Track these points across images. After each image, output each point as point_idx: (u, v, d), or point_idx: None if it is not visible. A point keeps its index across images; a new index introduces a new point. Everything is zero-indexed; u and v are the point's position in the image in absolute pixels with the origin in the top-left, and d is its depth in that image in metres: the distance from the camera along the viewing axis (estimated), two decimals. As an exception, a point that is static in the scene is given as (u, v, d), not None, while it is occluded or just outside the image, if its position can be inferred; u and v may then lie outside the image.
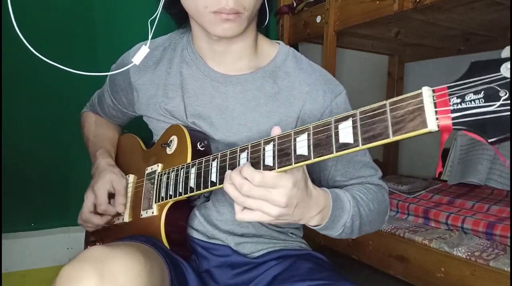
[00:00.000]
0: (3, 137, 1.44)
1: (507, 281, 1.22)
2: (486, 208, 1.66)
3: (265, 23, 0.80)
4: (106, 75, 0.92)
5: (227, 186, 0.55)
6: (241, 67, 0.79)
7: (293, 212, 0.55)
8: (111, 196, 0.83)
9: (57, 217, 1.64)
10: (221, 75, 0.79)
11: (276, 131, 0.55)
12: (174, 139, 0.77)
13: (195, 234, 0.81)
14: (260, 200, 0.53)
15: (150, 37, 0.69)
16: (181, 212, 0.77)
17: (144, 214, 0.78)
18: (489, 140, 0.35)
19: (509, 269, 1.23)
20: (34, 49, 0.60)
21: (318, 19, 1.77)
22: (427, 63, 2.50)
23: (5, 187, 1.45)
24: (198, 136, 0.75)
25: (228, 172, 0.56)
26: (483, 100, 0.35)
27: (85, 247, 0.96)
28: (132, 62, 0.69)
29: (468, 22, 1.73)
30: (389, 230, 1.65)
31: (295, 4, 1.94)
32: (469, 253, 1.35)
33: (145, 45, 0.69)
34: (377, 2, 1.46)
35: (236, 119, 0.77)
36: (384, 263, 1.64)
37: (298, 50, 0.86)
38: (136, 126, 0.99)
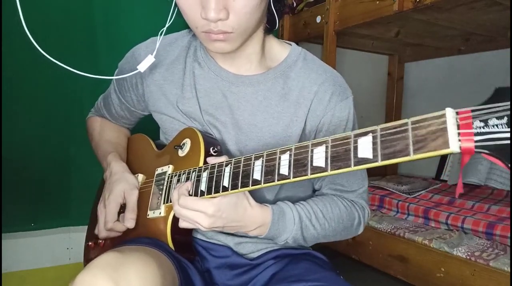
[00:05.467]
0: (3, 137, 1.44)
1: (507, 281, 1.22)
2: (486, 208, 1.66)
3: (275, 28, 0.79)
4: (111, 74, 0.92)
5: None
6: (251, 68, 0.79)
7: (223, 228, 0.66)
8: (123, 206, 0.81)
9: (57, 217, 1.64)
10: (232, 75, 0.78)
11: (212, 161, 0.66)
12: (187, 142, 0.76)
13: (194, 234, 0.82)
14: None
15: (157, 46, 0.70)
16: None
17: (151, 214, 0.77)
18: (510, 166, 0.36)
19: (509, 269, 1.23)
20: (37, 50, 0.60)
21: (318, 19, 1.77)
22: (427, 63, 2.50)
23: (5, 187, 1.45)
24: (211, 141, 0.75)
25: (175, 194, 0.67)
26: (506, 126, 0.36)
27: (86, 244, 0.96)
28: (137, 69, 0.70)
29: (468, 22, 1.73)
30: (389, 230, 1.66)
31: (295, 4, 1.94)
32: (469, 253, 1.35)
33: (151, 55, 0.70)
34: (377, 2, 1.47)
35: (247, 119, 0.78)
36: (384, 263, 1.64)
37: None
38: (142, 127, 1.00)
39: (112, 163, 0.85)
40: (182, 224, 0.66)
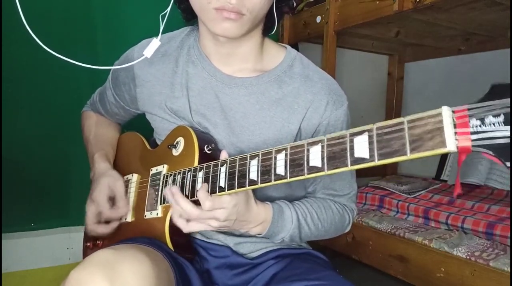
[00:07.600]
0: (3, 137, 1.44)
1: (507, 281, 1.22)
2: (486, 208, 1.66)
3: (273, 31, 0.79)
4: (109, 71, 0.92)
5: (175, 219, 0.66)
6: (246, 69, 0.79)
7: (233, 224, 0.66)
8: (112, 199, 0.82)
9: (57, 217, 1.64)
10: (226, 77, 0.78)
11: (224, 155, 0.65)
12: (181, 141, 0.76)
13: (193, 234, 0.81)
14: (206, 219, 0.64)
15: (161, 30, 0.69)
16: None
17: (148, 215, 0.77)
18: (507, 164, 0.36)
19: (509, 269, 1.23)
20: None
21: (318, 19, 1.77)
22: (427, 63, 2.50)
23: (5, 187, 1.45)
24: (205, 139, 0.75)
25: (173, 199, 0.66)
26: (502, 124, 0.35)
27: (84, 244, 0.96)
28: (143, 55, 0.69)
29: (468, 22, 1.73)
30: (389, 230, 1.65)
31: (295, 4, 1.94)
32: (469, 253, 1.35)
33: (156, 38, 0.69)
34: (377, 2, 1.47)
35: (239, 121, 0.77)
36: (384, 263, 1.64)
37: (298, 50, 0.86)
38: (135, 125, 0.99)
39: (96, 164, 0.88)
40: (195, 228, 0.66)
